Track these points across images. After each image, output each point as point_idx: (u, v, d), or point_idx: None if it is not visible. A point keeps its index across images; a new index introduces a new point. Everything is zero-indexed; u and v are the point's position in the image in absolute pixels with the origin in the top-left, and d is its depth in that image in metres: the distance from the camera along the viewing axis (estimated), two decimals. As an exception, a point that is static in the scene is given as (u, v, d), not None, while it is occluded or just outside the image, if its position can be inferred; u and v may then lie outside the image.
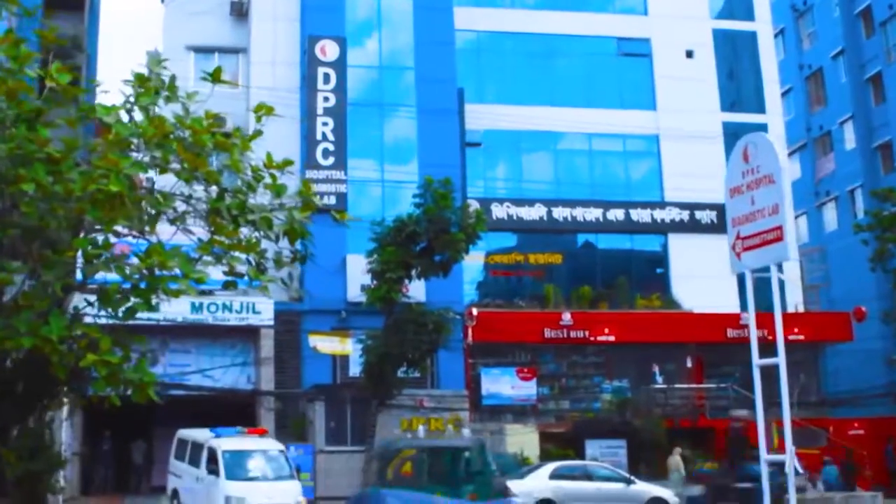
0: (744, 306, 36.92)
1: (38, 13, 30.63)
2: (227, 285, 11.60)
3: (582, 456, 31.88)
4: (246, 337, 32.03)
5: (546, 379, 35.39)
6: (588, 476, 27.70)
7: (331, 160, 33.83)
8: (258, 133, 11.43)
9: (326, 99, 34.30)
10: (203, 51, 36.45)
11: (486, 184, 37.09)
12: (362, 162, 34.54)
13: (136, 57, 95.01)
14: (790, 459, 13.44)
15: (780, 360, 14.25)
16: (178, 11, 36.45)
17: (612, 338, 34.91)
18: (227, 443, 24.43)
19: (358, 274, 30.24)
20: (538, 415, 34.61)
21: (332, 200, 33.61)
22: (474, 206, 33.12)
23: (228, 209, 11.30)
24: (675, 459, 31.13)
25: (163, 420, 34.95)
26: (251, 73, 35.45)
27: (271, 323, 31.53)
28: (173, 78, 11.15)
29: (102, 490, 32.95)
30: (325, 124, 34.07)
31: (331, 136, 34.02)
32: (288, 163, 11.26)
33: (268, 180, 11.28)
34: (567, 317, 34.52)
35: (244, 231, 11.57)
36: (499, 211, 36.30)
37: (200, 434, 25.56)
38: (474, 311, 33.39)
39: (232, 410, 33.19)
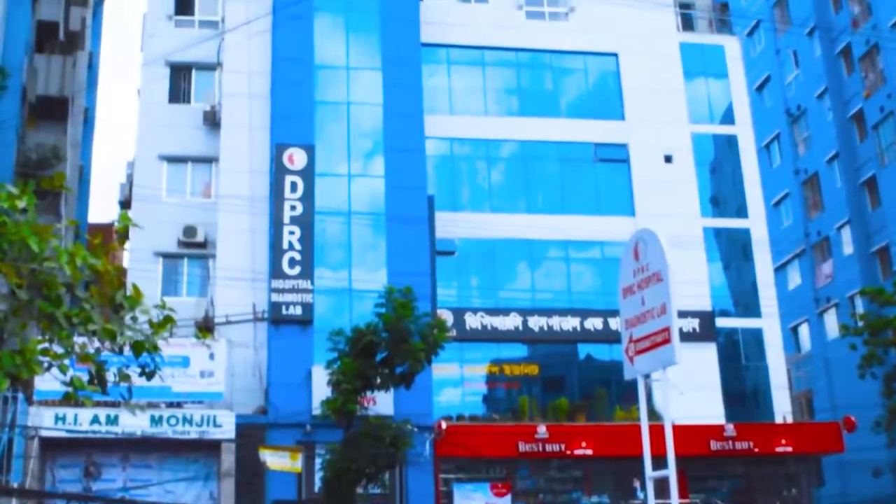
0: (730, 417, 35.67)
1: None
2: (66, 396, 11.59)
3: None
4: (208, 451, 31.11)
5: (522, 494, 33.87)
6: None
7: (297, 269, 33.23)
8: (121, 241, 11.31)
9: (293, 207, 33.85)
10: (175, 160, 36.17)
11: (460, 293, 36.15)
12: (330, 271, 33.98)
13: (118, 165, 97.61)
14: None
15: (671, 472, 13.30)
16: (152, 122, 36.38)
17: (589, 451, 33.47)
18: None
19: (323, 386, 29.36)
20: (514, 532, 33.15)
21: (298, 311, 32.96)
22: (446, 316, 32.45)
23: (67, 316, 11.31)
24: None
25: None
26: (222, 182, 35.16)
27: (232, 436, 30.68)
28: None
29: None
30: (291, 233, 33.55)
31: (297, 245, 33.48)
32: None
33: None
34: (542, 430, 33.26)
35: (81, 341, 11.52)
36: (472, 321, 35.37)
37: None
38: (443, 425, 32.28)
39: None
